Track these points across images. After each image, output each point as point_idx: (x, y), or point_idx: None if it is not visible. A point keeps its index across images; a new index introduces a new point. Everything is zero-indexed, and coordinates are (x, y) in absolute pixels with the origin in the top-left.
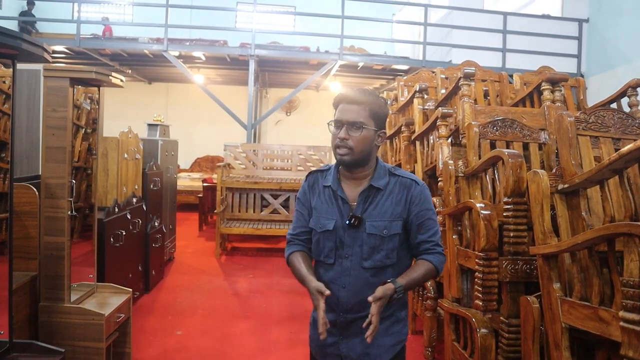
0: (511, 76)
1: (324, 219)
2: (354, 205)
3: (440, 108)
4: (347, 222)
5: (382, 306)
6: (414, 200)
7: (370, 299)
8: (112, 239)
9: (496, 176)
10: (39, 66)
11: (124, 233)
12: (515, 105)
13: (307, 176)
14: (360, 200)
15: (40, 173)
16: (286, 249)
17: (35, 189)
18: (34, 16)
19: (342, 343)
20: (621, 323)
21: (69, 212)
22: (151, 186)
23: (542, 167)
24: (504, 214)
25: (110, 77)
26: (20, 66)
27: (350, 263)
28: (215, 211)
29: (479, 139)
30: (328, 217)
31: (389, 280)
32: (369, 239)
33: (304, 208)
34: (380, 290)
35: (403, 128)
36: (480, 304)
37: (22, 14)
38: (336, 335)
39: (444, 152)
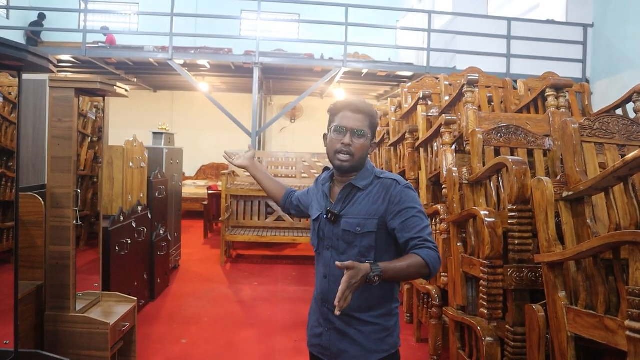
0: (515, 82)
1: (314, 209)
2: (334, 203)
3: (444, 115)
4: (325, 216)
5: (352, 278)
6: (394, 200)
7: (338, 263)
8: (117, 248)
9: (500, 183)
10: (45, 76)
11: (129, 241)
12: (520, 111)
13: (323, 170)
14: (340, 198)
15: (46, 182)
16: None
17: (41, 199)
18: (44, 26)
19: (325, 335)
20: (627, 332)
21: (75, 222)
22: (156, 194)
23: (547, 174)
24: (509, 221)
25: (115, 88)
26: (27, 76)
27: (331, 254)
28: (220, 219)
29: (483, 146)
30: (317, 207)
31: (371, 264)
32: (344, 235)
33: (312, 188)
34: (351, 262)
35: (407, 135)
36: (486, 312)
37: (33, 24)
38: (322, 326)
39: (448, 159)
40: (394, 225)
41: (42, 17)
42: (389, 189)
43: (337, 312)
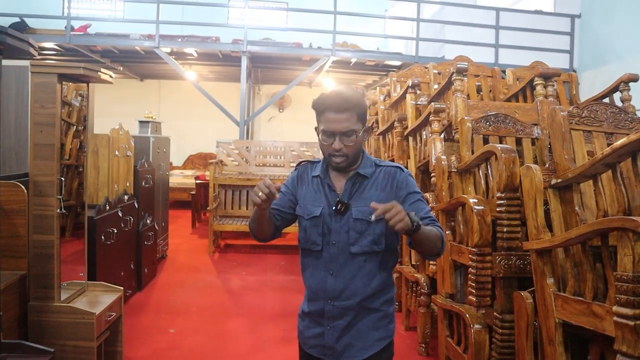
0: (504, 71)
1: (311, 206)
2: (341, 193)
3: (432, 103)
4: (334, 208)
5: (396, 207)
6: (401, 185)
7: (375, 204)
8: (103, 237)
9: (489, 171)
10: (27, 62)
11: (115, 231)
12: (508, 100)
13: (297, 166)
14: (347, 187)
15: (29, 171)
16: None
17: (23, 187)
18: (26, 24)
19: (328, 333)
20: (615, 318)
21: (59, 210)
22: (143, 183)
23: (535, 162)
24: (497, 209)
25: (99, 73)
26: (8, 62)
27: (337, 249)
28: (208, 208)
29: (472, 134)
30: (315, 204)
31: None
32: (355, 224)
33: (287, 190)
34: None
35: (396, 124)
36: (474, 299)
37: (13, 25)
38: (322, 326)
39: (436, 148)
40: (404, 208)
41: (22, 22)
42: (395, 175)
43: (374, 218)
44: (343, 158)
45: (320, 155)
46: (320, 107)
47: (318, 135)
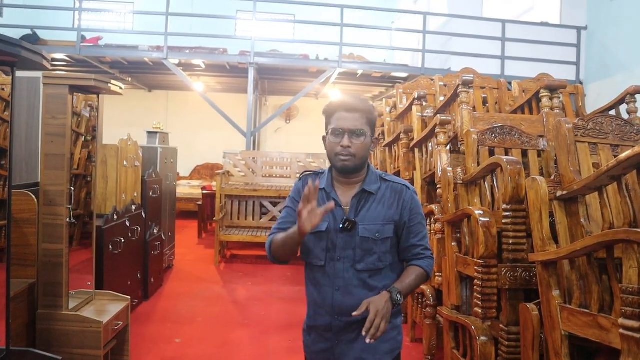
0: (510, 83)
1: None
2: (347, 209)
3: (438, 115)
4: (341, 226)
5: (377, 308)
6: (406, 205)
7: (356, 313)
8: (110, 247)
9: (495, 183)
10: (39, 74)
11: (122, 240)
12: (514, 112)
13: (300, 177)
14: (353, 204)
15: (39, 180)
16: (267, 238)
17: (34, 196)
18: (37, 36)
19: (337, 348)
20: (621, 330)
21: (68, 220)
22: (150, 193)
23: (541, 174)
24: (503, 221)
25: (109, 85)
26: (20, 74)
27: (343, 265)
28: (215, 219)
29: (478, 146)
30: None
31: (388, 289)
32: (362, 242)
33: (296, 204)
34: (365, 303)
35: (402, 135)
36: (480, 311)
37: (25, 37)
38: (331, 341)
39: (442, 159)
40: (402, 228)
41: (34, 35)
42: (401, 193)
43: (369, 341)
44: (349, 157)
45: (326, 166)
46: (332, 109)
47: (326, 141)
